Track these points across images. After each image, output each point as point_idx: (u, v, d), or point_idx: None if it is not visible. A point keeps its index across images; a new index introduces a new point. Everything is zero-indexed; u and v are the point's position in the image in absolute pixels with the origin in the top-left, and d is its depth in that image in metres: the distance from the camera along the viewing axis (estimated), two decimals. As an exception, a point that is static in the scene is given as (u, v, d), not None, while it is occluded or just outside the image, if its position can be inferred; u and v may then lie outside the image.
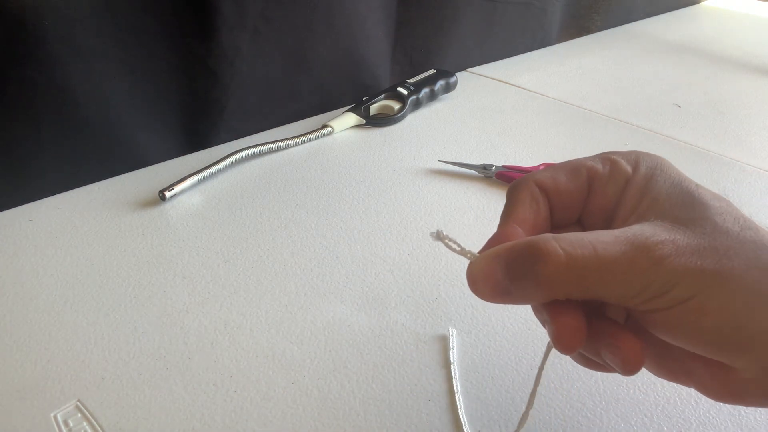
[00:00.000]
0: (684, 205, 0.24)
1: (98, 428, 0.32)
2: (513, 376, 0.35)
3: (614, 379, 0.35)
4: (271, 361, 0.36)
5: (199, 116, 0.61)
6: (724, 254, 0.22)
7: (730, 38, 1.03)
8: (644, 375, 0.35)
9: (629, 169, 0.26)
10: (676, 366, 0.26)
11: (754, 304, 0.21)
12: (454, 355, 0.36)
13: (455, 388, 0.34)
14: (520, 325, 0.39)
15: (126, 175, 0.56)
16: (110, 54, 0.52)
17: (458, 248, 0.26)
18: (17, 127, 0.49)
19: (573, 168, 0.27)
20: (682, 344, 0.23)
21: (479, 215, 0.51)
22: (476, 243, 0.47)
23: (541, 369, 0.26)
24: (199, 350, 0.37)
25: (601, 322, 0.24)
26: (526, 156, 0.61)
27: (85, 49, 0.50)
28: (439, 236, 0.26)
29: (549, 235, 0.23)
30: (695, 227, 0.23)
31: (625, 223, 0.25)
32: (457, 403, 0.33)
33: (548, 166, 0.28)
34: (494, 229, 0.50)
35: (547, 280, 0.22)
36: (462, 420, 0.32)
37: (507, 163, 0.57)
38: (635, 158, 0.27)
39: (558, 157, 0.60)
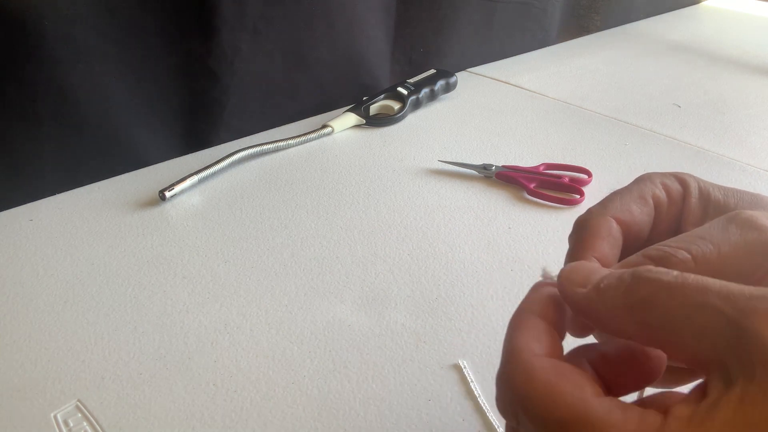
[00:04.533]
0: (743, 201, 0.24)
1: (98, 428, 0.32)
2: (513, 376, 0.35)
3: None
4: (271, 361, 0.36)
5: (199, 116, 0.61)
6: None
7: (730, 38, 1.03)
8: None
9: (680, 187, 0.26)
10: None
11: None
12: (477, 388, 0.34)
13: (493, 424, 0.32)
14: (520, 325, 0.39)
15: (126, 175, 0.56)
16: (110, 54, 0.52)
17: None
18: (17, 127, 0.49)
19: (640, 197, 0.26)
20: None
21: (479, 215, 0.51)
22: (476, 242, 0.47)
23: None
24: (199, 350, 0.37)
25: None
26: (526, 156, 0.61)
27: (85, 49, 0.50)
28: (547, 275, 0.24)
29: (649, 247, 0.23)
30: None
31: None
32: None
33: (613, 195, 0.27)
34: (494, 229, 0.50)
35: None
36: None
37: (507, 163, 0.57)
38: (675, 176, 0.27)
39: (558, 157, 0.60)
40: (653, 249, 0.22)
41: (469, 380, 0.35)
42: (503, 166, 0.57)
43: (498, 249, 0.46)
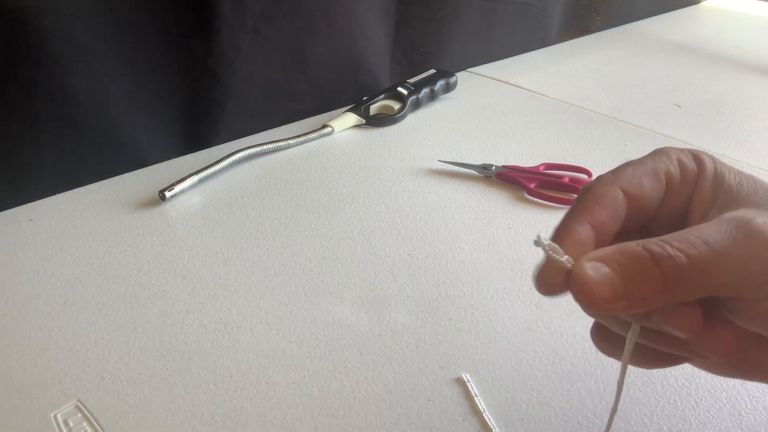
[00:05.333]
0: (756, 192, 0.24)
1: (98, 428, 0.32)
2: (513, 376, 0.35)
3: (613, 379, 0.35)
4: (271, 361, 0.36)
5: (199, 116, 0.60)
6: None
7: (730, 38, 1.03)
8: (644, 374, 0.35)
9: (695, 166, 0.26)
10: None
11: None
12: (481, 403, 0.34)
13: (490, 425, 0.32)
14: (520, 325, 0.39)
15: (126, 175, 0.56)
16: (110, 54, 0.52)
17: (556, 255, 0.24)
18: (17, 127, 0.49)
19: (653, 172, 0.26)
20: None
21: (479, 215, 0.51)
22: (476, 242, 0.47)
23: (620, 388, 0.25)
24: (199, 350, 0.37)
25: None
26: (526, 156, 0.60)
27: (85, 49, 0.50)
28: (540, 242, 0.24)
29: (655, 239, 0.22)
30: None
31: (704, 218, 0.24)
32: None
33: (625, 165, 0.26)
34: (494, 229, 0.50)
35: (672, 282, 0.21)
36: None
37: (507, 163, 0.57)
38: (692, 153, 0.26)
39: (558, 157, 0.60)
40: (655, 244, 0.22)
41: (472, 393, 0.35)
42: (503, 166, 0.57)
43: (498, 249, 0.46)
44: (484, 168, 0.57)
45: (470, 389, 0.34)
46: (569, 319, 0.39)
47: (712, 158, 0.26)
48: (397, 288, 0.42)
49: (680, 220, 0.26)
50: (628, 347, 0.24)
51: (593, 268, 0.22)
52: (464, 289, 0.42)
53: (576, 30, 1.03)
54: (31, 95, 0.49)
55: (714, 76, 0.85)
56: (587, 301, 0.22)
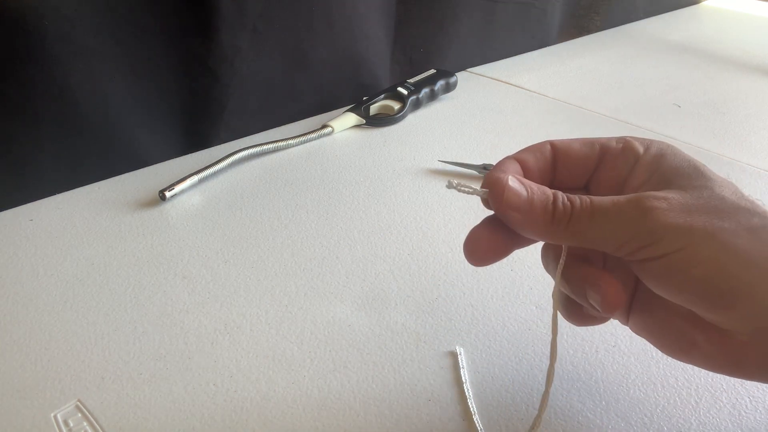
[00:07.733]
0: (689, 176, 0.26)
1: (98, 428, 0.32)
2: (514, 376, 0.35)
3: (614, 379, 0.35)
4: (271, 361, 0.36)
5: (199, 116, 0.61)
6: (715, 215, 0.24)
7: (730, 38, 1.03)
8: (644, 374, 0.35)
9: (641, 149, 0.28)
10: (678, 337, 0.27)
11: (740, 261, 0.23)
12: (465, 374, 0.35)
13: (471, 409, 0.33)
14: (520, 324, 0.39)
15: (126, 175, 0.56)
16: (110, 54, 0.52)
17: (471, 190, 0.29)
18: (17, 127, 0.49)
19: (586, 140, 0.30)
20: (674, 296, 0.25)
21: (479, 215, 0.51)
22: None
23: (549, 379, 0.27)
24: (199, 350, 0.37)
25: (587, 267, 0.28)
26: (526, 156, 0.60)
27: (85, 49, 0.50)
28: (451, 185, 0.29)
29: (567, 194, 0.26)
30: (693, 191, 0.25)
31: (634, 191, 0.27)
32: (473, 417, 0.33)
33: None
34: (494, 229, 0.50)
35: (556, 221, 0.26)
36: (477, 426, 0.32)
37: (507, 163, 0.57)
38: (648, 142, 0.29)
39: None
40: (562, 195, 0.26)
41: (460, 366, 0.35)
42: (503, 166, 0.57)
43: (498, 249, 0.46)
44: (484, 168, 0.57)
45: (460, 362, 0.34)
46: (569, 319, 0.39)
47: (668, 147, 0.28)
48: (397, 288, 0.42)
49: (619, 191, 0.28)
50: (560, 266, 0.29)
51: (513, 180, 0.27)
52: (464, 289, 0.42)
53: (576, 30, 1.03)
54: (31, 95, 0.49)
55: (714, 76, 0.85)
56: (497, 197, 0.27)
